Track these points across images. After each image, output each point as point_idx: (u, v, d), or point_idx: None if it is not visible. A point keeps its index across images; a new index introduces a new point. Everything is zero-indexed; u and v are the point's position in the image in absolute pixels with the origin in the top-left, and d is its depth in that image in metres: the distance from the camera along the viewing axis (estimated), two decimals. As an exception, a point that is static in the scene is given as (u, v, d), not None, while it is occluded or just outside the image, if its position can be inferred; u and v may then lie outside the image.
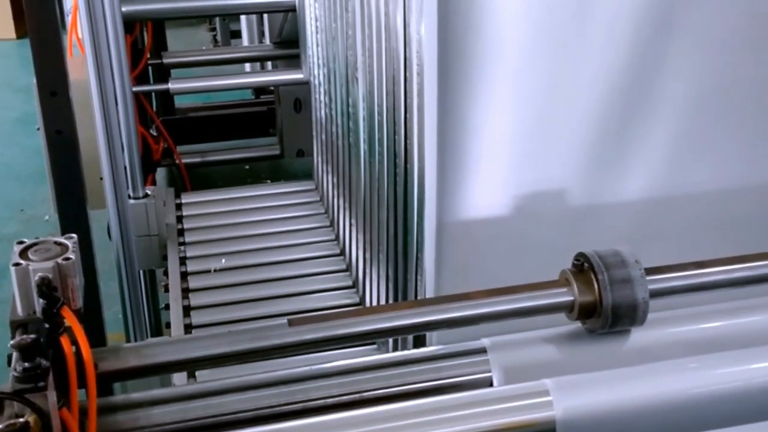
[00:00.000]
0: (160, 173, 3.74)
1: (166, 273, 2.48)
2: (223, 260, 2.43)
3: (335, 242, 2.55)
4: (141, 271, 2.64)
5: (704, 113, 1.53)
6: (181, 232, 2.64)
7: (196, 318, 2.22)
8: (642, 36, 1.44)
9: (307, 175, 3.04)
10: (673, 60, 1.47)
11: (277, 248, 2.55)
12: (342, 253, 2.48)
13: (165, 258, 2.56)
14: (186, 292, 2.33)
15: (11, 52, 6.57)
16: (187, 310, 2.25)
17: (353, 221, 2.25)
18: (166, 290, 2.37)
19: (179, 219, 2.72)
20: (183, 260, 2.48)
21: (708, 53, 1.48)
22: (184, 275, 2.41)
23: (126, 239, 2.21)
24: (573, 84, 1.46)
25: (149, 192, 2.66)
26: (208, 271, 2.42)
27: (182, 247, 2.55)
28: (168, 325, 2.25)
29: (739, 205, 1.59)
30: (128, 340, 2.45)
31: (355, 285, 2.32)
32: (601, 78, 1.46)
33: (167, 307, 2.32)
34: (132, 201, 2.56)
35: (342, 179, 2.38)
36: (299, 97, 3.34)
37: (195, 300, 2.30)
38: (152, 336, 2.63)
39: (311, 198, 2.84)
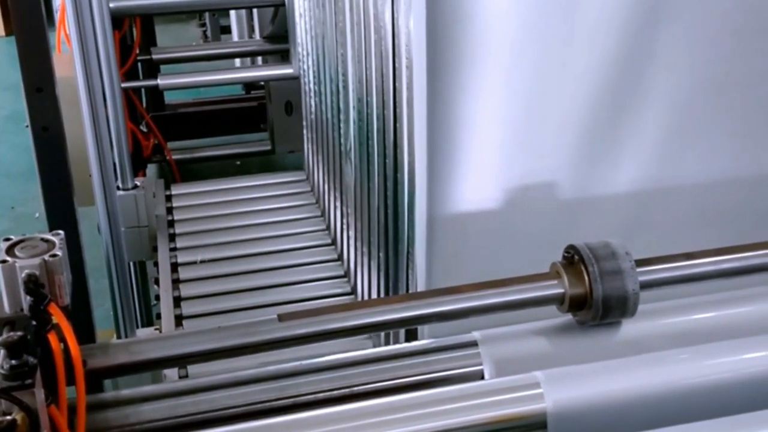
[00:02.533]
0: (151, 170, 3.72)
1: (156, 265, 2.47)
2: (199, 260, 2.42)
3: (326, 232, 2.55)
4: (131, 263, 2.63)
5: (694, 105, 1.53)
6: (171, 224, 2.63)
7: (187, 309, 2.22)
8: (631, 28, 1.44)
9: (298, 170, 3.04)
10: (662, 52, 1.47)
11: (268, 238, 2.54)
12: (333, 243, 2.47)
13: (155, 249, 2.55)
14: (176, 283, 2.33)
15: (0, 50, 6.54)
16: (177, 301, 2.25)
17: (344, 213, 2.25)
18: (157, 283, 2.36)
19: (169, 210, 2.71)
20: (173, 251, 2.47)
21: (697, 45, 1.48)
22: (175, 266, 2.40)
23: (115, 231, 2.20)
24: (562, 77, 1.46)
25: (138, 183, 2.65)
26: (198, 262, 2.42)
27: (172, 239, 2.54)
28: (158, 317, 2.25)
29: (728, 197, 1.59)
30: (118, 332, 2.44)
31: (346, 275, 2.32)
32: (590, 71, 1.46)
33: (158, 298, 2.31)
34: (121, 192, 2.54)
35: (333, 171, 2.38)
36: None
37: (185, 291, 2.29)
38: (142, 327, 2.62)
39: (302, 188, 2.84)
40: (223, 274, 2.37)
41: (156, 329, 2.31)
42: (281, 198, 2.79)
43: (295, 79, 2.95)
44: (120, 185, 2.57)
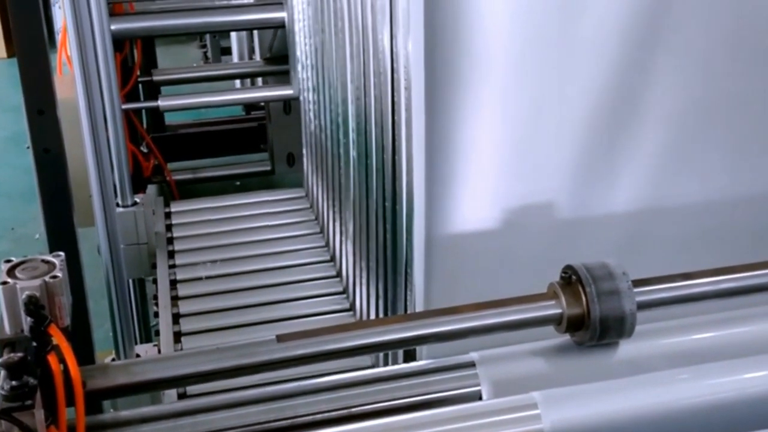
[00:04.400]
0: (150, 190, 3.73)
1: (155, 282, 2.47)
2: (204, 277, 2.43)
3: (325, 249, 2.56)
4: (130, 281, 2.63)
5: (690, 126, 1.54)
6: (170, 241, 2.64)
7: (186, 325, 2.22)
8: (628, 51, 1.45)
9: (298, 187, 3.04)
10: (658, 74, 1.48)
11: (267, 255, 2.54)
12: (332, 259, 2.48)
13: (154, 266, 2.55)
14: (175, 299, 2.32)
15: (2, 72, 6.57)
16: (176, 318, 2.25)
17: (343, 231, 2.26)
18: (156, 300, 2.36)
19: (168, 227, 2.71)
20: (172, 268, 2.48)
21: (693, 67, 1.50)
22: (174, 283, 2.40)
23: (114, 249, 2.21)
24: (560, 98, 1.47)
25: (138, 200, 2.65)
26: (197, 279, 2.42)
27: (171, 256, 2.55)
28: (157, 333, 2.24)
29: (726, 216, 1.60)
30: (117, 350, 2.45)
31: (345, 291, 2.32)
32: (587, 92, 1.47)
33: (157, 315, 2.31)
34: (120, 209, 2.55)
35: (332, 190, 2.39)
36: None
37: (184, 307, 2.29)
38: (141, 344, 2.62)
39: (301, 205, 2.84)
40: (222, 291, 2.37)
41: (155, 345, 2.31)
42: (280, 215, 2.79)
43: (295, 99, 2.97)
44: (119, 202, 2.57)
